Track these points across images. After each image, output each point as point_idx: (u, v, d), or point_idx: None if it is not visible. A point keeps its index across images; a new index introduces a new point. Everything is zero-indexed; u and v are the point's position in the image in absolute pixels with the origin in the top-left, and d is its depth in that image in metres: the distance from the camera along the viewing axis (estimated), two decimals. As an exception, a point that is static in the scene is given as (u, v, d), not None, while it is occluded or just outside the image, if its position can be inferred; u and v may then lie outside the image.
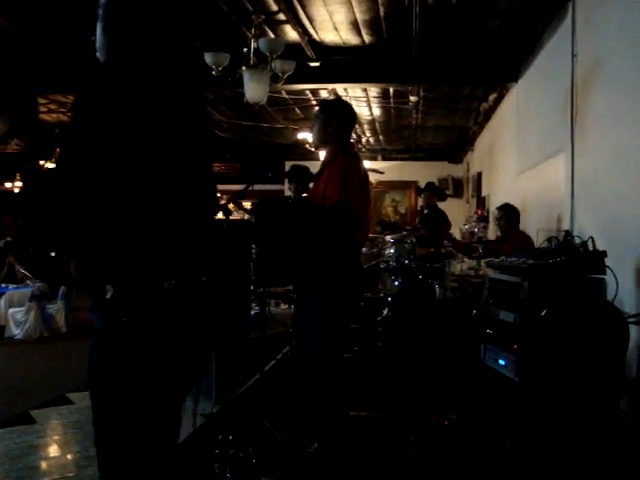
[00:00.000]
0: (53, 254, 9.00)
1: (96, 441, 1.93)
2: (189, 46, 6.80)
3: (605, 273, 3.35)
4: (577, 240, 3.68)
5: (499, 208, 6.35)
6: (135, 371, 1.86)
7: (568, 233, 4.06)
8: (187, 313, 1.96)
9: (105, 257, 1.85)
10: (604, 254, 3.39)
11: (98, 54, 2.00)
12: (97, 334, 1.88)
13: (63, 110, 10.88)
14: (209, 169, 2.15)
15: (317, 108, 4.03)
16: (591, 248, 3.51)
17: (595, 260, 3.38)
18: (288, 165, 13.76)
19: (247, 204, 13.91)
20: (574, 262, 3.35)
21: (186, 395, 2.08)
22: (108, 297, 1.85)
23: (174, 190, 1.93)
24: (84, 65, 2.02)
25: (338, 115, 3.79)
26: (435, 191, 8.30)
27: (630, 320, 3.16)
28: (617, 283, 3.33)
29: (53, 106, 10.65)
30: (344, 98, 9.44)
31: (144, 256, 1.86)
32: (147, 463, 1.93)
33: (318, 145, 3.93)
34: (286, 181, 6.52)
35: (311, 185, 4.07)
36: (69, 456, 3.99)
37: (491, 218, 10.11)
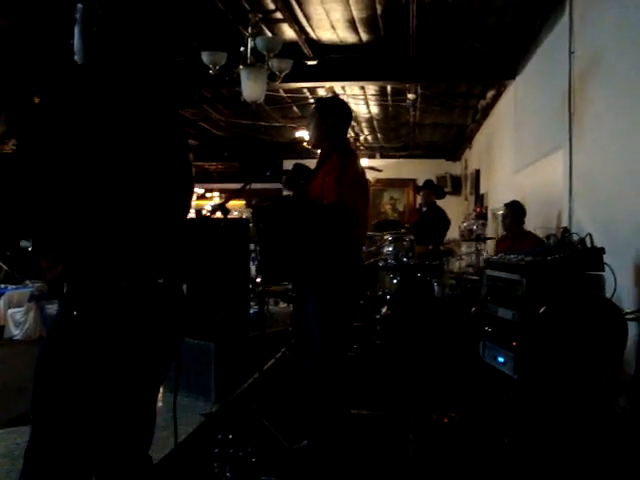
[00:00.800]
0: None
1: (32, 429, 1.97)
2: (177, 47, 6.80)
3: (603, 270, 3.35)
4: (575, 237, 3.68)
5: (507, 205, 6.25)
6: (76, 363, 1.88)
7: (566, 230, 4.06)
8: (139, 314, 1.95)
9: (62, 253, 1.89)
10: (602, 251, 3.39)
11: (76, 57, 2.05)
12: (53, 318, 1.97)
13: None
14: (181, 172, 2.14)
15: (313, 106, 4.03)
16: (589, 245, 3.51)
17: (593, 257, 3.38)
18: (286, 164, 13.77)
19: (241, 202, 13.93)
20: (572, 259, 3.36)
21: (142, 397, 2.05)
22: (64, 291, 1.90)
23: (138, 193, 1.95)
24: (59, 66, 2.06)
25: (333, 113, 3.78)
26: (434, 189, 8.30)
27: (628, 317, 3.17)
28: (615, 280, 3.33)
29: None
30: (342, 96, 9.43)
31: (98, 255, 1.89)
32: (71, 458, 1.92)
33: (314, 143, 3.92)
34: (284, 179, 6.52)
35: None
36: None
37: (489, 215, 10.12)
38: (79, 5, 2.01)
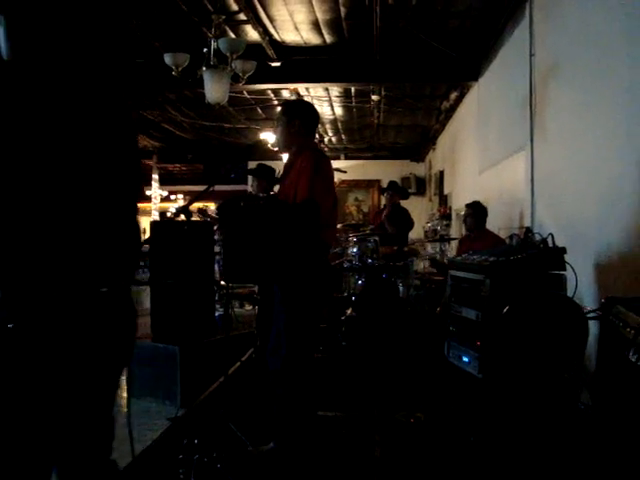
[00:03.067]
0: None
1: None
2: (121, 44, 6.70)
3: (565, 269, 3.40)
4: (537, 237, 3.73)
5: (468, 205, 6.27)
6: (17, 376, 1.78)
7: (529, 230, 4.12)
8: (80, 324, 1.85)
9: None
10: (564, 250, 3.44)
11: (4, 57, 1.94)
12: None
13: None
14: (126, 171, 2.03)
15: (279, 110, 4.01)
16: (551, 244, 3.55)
17: (555, 256, 3.43)
18: (251, 165, 13.72)
19: (212, 205, 13.85)
20: (535, 259, 3.40)
21: (91, 405, 1.96)
22: None
23: (79, 196, 1.85)
24: None
25: (300, 116, 3.77)
26: (397, 190, 8.32)
27: (589, 315, 3.21)
28: (576, 279, 3.38)
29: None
30: (306, 98, 9.45)
31: (32, 263, 1.78)
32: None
33: (282, 147, 3.90)
34: (250, 179, 6.50)
35: (277, 187, 4.06)
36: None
37: (454, 216, 10.21)
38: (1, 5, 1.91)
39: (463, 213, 6.53)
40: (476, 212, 6.13)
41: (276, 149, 4.11)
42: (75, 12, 2.02)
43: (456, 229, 9.69)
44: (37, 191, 1.80)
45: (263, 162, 6.75)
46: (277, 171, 6.00)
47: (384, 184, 9.73)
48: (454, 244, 8.36)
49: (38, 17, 1.95)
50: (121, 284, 1.97)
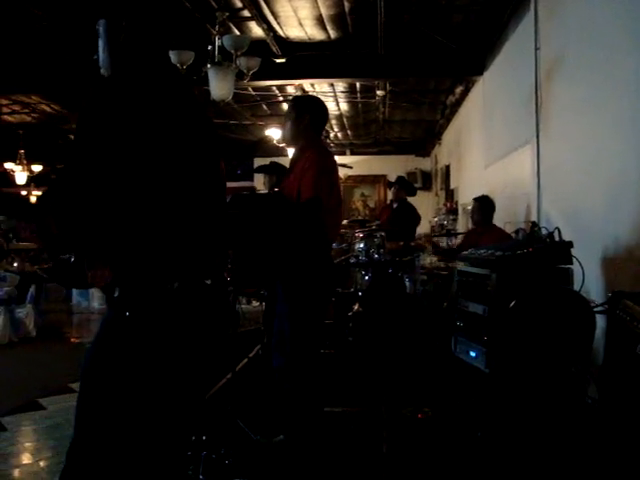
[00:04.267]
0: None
1: (75, 430, 2.01)
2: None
3: (572, 263, 3.39)
4: (544, 231, 3.72)
5: (476, 199, 6.23)
6: (129, 361, 1.98)
7: (535, 224, 4.11)
8: (189, 314, 2.07)
9: (113, 258, 1.99)
10: (570, 244, 3.43)
11: (102, 70, 2.10)
12: (103, 320, 2.07)
13: (26, 111, 10.71)
14: (216, 173, 2.22)
15: (289, 105, 4.01)
16: (557, 239, 3.55)
17: (562, 250, 3.42)
18: (257, 162, 13.74)
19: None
20: (541, 253, 3.39)
21: (188, 397, 2.15)
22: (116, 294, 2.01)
23: (181, 195, 2.04)
24: (90, 79, 2.12)
25: (310, 111, 3.77)
26: (404, 185, 8.30)
27: (596, 309, 3.21)
28: (583, 273, 3.37)
29: (16, 107, 10.48)
30: (311, 94, 9.44)
31: (148, 259, 1.98)
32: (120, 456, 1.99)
33: (290, 142, 3.91)
34: (261, 175, 6.49)
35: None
36: (42, 463, 3.93)
37: (460, 210, 10.19)
38: (101, 20, 2.07)
39: (470, 207, 6.49)
40: (483, 206, 6.10)
41: (282, 145, 4.12)
42: (155, 25, 2.15)
43: (463, 223, 9.67)
44: (146, 198, 1.98)
45: (273, 159, 6.75)
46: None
47: (390, 179, 9.69)
48: (461, 239, 8.34)
49: (135, 30, 2.07)
50: (218, 278, 2.25)
